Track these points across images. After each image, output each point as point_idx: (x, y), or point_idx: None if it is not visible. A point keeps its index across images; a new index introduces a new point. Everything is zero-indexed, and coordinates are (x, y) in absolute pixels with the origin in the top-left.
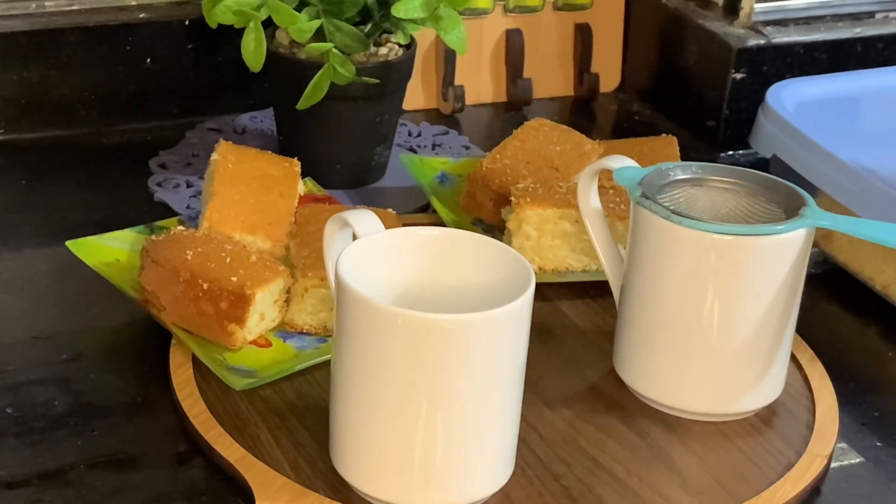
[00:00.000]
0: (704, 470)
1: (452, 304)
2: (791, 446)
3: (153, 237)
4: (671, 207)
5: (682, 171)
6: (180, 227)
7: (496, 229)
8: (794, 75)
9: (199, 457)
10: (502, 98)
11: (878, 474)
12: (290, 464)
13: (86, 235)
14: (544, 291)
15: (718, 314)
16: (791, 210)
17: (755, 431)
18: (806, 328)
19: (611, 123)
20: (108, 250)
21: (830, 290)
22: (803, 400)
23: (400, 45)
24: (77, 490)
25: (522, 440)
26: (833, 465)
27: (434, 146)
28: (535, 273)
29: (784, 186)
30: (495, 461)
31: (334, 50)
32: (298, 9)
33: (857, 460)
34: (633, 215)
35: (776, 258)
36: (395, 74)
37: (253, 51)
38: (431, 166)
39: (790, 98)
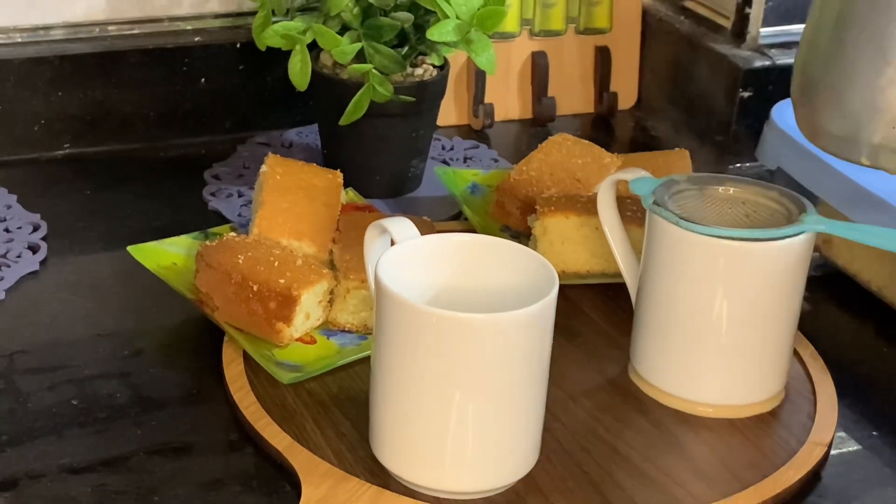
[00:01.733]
0: (714, 457)
1: (483, 305)
2: (794, 435)
3: (207, 243)
4: (680, 214)
5: (690, 181)
6: (232, 234)
7: (523, 235)
8: None
9: (250, 445)
10: (528, 115)
11: (875, 461)
12: (333, 451)
13: (146, 241)
14: (567, 292)
15: (726, 313)
16: (793, 216)
17: (761, 421)
18: (807, 326)
19: (628, 138)
20: (166, 255)
21: (830, 291)
22: (805, 392)
23: (434, 66)
24: (137, 475)
25: (547, 429)
26: (833, 452)
27: (465, 159)
28: (559, 275)
29: (787, 194)
30: (522, 449)
31: (374, 70)
32: (341, 33)
33: (855, 448)
34: (648, 222)
35: (779, 261)
36: (430, 93)
37: (299, 71)
38: (463, 177)
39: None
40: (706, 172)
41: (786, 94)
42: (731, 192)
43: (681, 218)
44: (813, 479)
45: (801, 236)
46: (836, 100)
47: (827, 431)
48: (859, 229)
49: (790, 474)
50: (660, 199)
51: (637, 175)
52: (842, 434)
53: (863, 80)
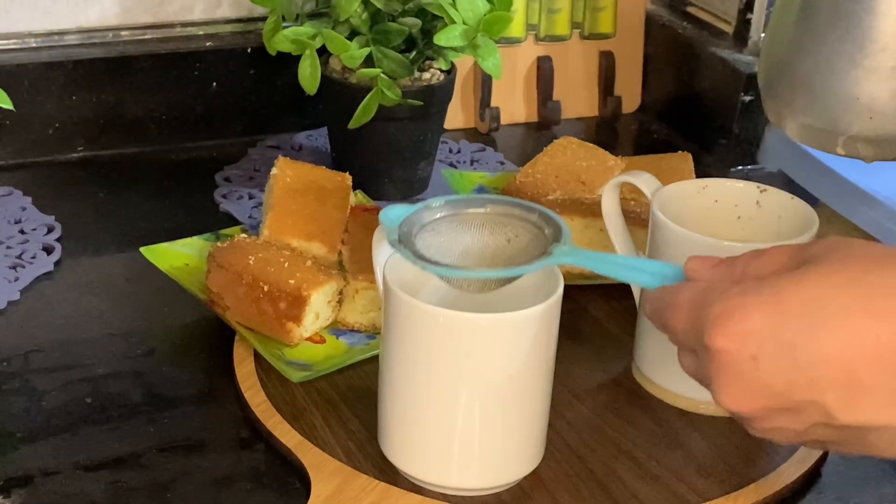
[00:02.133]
0: (716, 454)
1: (489, 305)
2: None
3: (219, 244)
4: (418, 252)
5: (449, 206)
6: (243, 235)
7: None
8: None
9: (260, 442)
10: (534, 118)
11: (873, 459)
12: (342, 449)
13: (158, 242)
14: (572, 293)
15: None
16: (548, 243)
17: None
18: None
19: (632, 141)
20: (178, 255)
21: None
22: None
23: (441, 71)
24: (150, 472)
25: (552, 427)
26: None
27: (472, 162)
28: (564, 276)
29: (546, 217)
30: (528, 446)
31: (382, 75)
32: (350, 38)
33: None
34: (651, 225)
35: None
36: (437, 97)
37: (309, 76)
38: (470, 180)
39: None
40: (709, 177)
41: None
42: (491, 213)
43: (417, 256)
44: (813, 476)
45: (803, 238)
46: (810, 91)
47: None
48: (604, 259)
49: (791, 471)
50: (405, 235)
51: (640, 178)
52: None
53: (838, 70)
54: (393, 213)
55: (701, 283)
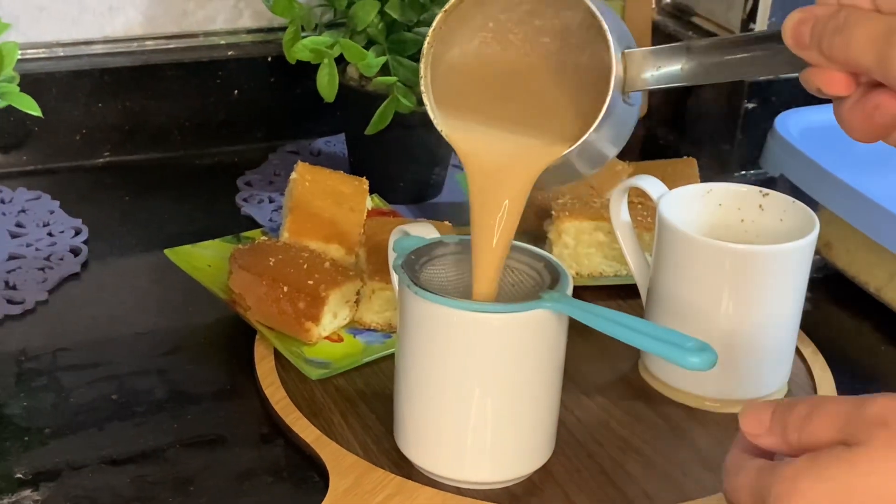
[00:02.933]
0: (721, 449)
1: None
2: None
3: (240, 246)
4: (415, 280)
5: (460, 245)
6: (264, 237)
7: (539, 239)
8: (799, 105)
9: (280, 438)
10: None
11: None
12: (359, 444)
13: (181, 244)
14: (581, 293)
15: (732, 314)
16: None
17: None
18: (809, 325)
19: (639, 147)
20: (200, 257)
21: (830, 293)
22: (806, 388)
23: None
24: (173, 466)
25: (562, 423)
26: None
27: None
28: (573, 277)
29: (550, 264)
30: (538, 441)
31: (398, 83)
32: (367, 47)
33: None
34: (657, 227)
35: (781, 264)
36: None
37: (327, 84)
38: None
39: (796, 125)
40: (713, 182)
41: (788, 105)
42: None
43: (415, 283)
44: None
45: (802, 243)
46: None
47: None
48: (591, 311)
49: None
50: (410, 262)
51: (647, 182)
52: None
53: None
54: (406, 243)
55: (759, 461)
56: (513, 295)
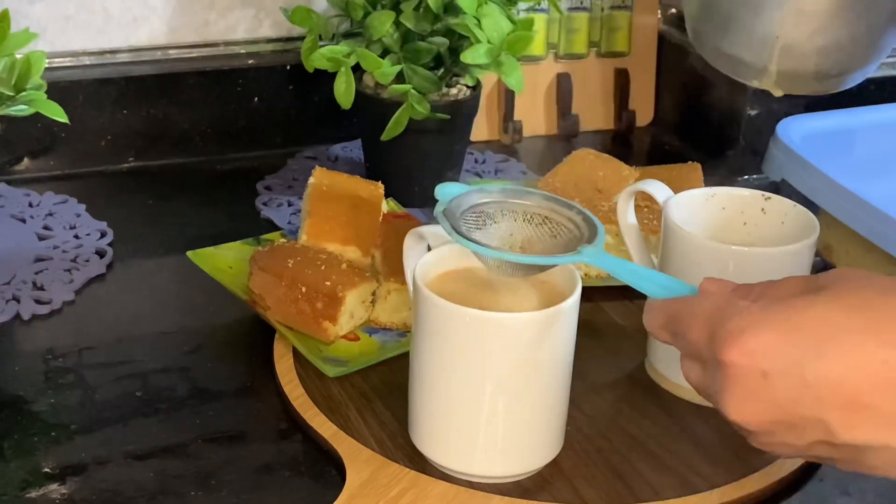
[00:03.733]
0: (725, 444)
1: (512, 304)
2: None
3: (260, 248)
4: (456, 228)
5: (500, 193)
6: (283, 240)
7: None
8: (799, 112)
9: (299, 433)
10: (554, 131)
11: None
12: (375, 439)
13: (203, 247)
14: (589, 294)
15: None
16: (582, 241)
17: None
18: None
19: (645, 152)
20: (222, 259)
21: None
22: None
23: (468, 87)
24: (195, 461)
25: (571, 419)
26: None
27: (496, 171)
28: (582, 278)
29: (584, 216)
30: (548, 437)
31: (412, 91)
32: (382, 56)
33: None
34: (663, 230)
35: (781, 265)
36: (464, 111)
37: (344, 91)
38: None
39: (797, 131)
40: (716, 186)
41: (789, 113)
42: (538, 207)
43: (456, 231)
44: (814, 464)
45: (798, 245)
46: (734, 24)
47: None
48: (623, 266)
49: (794, 460)
50: (452, 210)
51: (653, 186)
52: None
53: (762, 10)
54: (448, 190)
55: (720, 298)
56: (553, 246)
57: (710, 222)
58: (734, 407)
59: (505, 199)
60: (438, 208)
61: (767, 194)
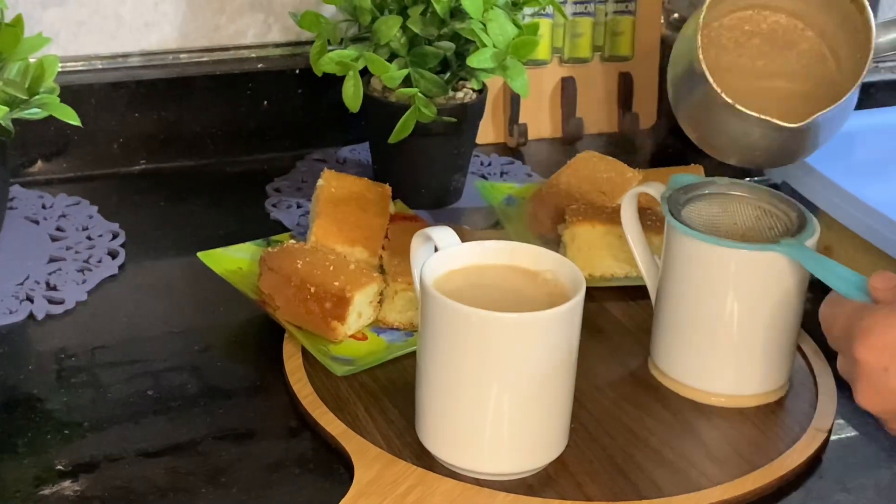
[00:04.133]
0: (726, 442)
1: (516, 305)
2: (797, 422)
3: (269, 249)
4: (692, 225)
5: (705, 186)
6: (292, 241)
7: (554, 242)
8: None
9: (307, 431)
10: (558, 134)
11: (871, 445)
12: (382, 437)
13: (214, 248)
14: (593, 294)
15: (736, 313)
16: (789, 231)
17: (768, 410)
18: (810, 324)
19: (648, 155)
20: (232, 260)
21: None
22: (807, 384)
23: (473, 90)
24: (206, 458)
25: (575, 417)
26: (832, 437)
27: (502, 174)
28: (586, 279)
29: (794, 206)
30: (552, 434)
31: (419, 94)
32: (390, 60)
33: (853, 434)
34: (667, 232)
35: (784, 267)
36: (470, 114)
37: (352, 95)
38: (500, 190)
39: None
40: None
41: None
42: (744, 196)
43: (692, 228)
44: (815, 461)
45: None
46: (695, 125)
47: (827, 419)
48: (823, 264)
49: (794, 457)
50: (674, 208)
51: (656, 188)
52: (840, 421)
53: (715, 117)
54: (680, 179)
55: (856, 303)
56: (765, 237)
57: (710, 223)
58: (862, 396)
59: (729, 191)
60: (664, 193)
61: (766, 195)
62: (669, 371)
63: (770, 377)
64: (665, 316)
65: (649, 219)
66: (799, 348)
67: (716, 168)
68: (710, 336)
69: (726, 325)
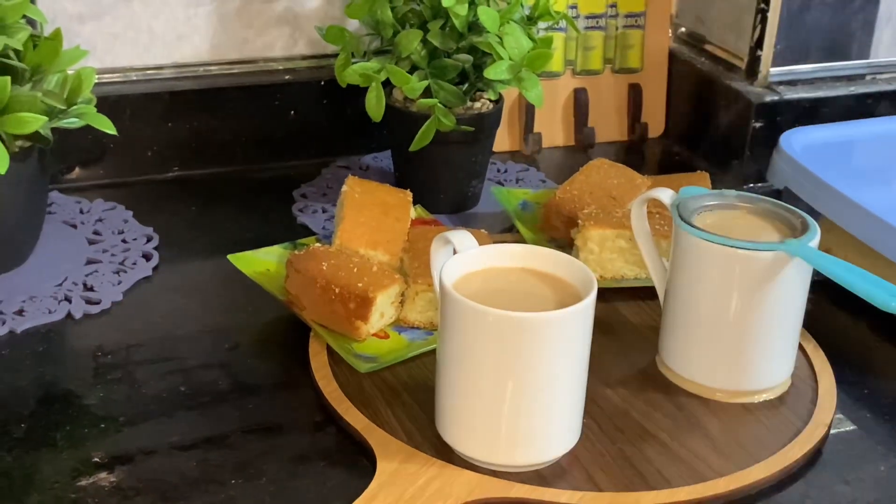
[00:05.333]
0: (730, 436)
1: (533, 304)
2: (799, 416)
3: (296, 252)
4: (697, 226)
5: (712, 197)
6: (317, 244)
7: (566, 245)
8: (801, 124)
9: (332, 425)
10: (571, 142)
11: (869, 439)
12: (404, 431)
13: (243, 251)
14: (604, 295)
15: (741, 313)
16: (794, 233)
17: (770, 405)
18: (811, 323)
19: (657, 162)
20: (260, 262)
21: (830, 293)
22: (808, 380)
23: (490, 101)
24: (235, 451)
25: (587, 412)
26: (832, 431)
27: (517, 180)
28: (597, 280)
29: (796, 213)
30: (565, 428)
31: (439, 104)
32: (411, 72)
33: (852, 428)
34: (674, 236)
35: (785, 268)
36: (487, 124)
37: (375, 105)
38: (515, 196)
39: (799, 142)
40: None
41: (792, 125)
42: (751, 207)
43: (698, 229)
44: (815, 454)
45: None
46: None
47: (827, 413)
48: (834, 264)
49: (795, 450)
50: (684, 214)
51: (664, 194)
52: (840, 416)
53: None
54: (690, 191)
55: None
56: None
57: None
58: None
59: (737, 202)
60: (674, 201)
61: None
62: (677, 368)
63: (773, 374)
64: (673, 315)
65: (657, 223)
66: (800, 346)
67: (720, 174)
68: (716, 335)
69: (731, 324)
